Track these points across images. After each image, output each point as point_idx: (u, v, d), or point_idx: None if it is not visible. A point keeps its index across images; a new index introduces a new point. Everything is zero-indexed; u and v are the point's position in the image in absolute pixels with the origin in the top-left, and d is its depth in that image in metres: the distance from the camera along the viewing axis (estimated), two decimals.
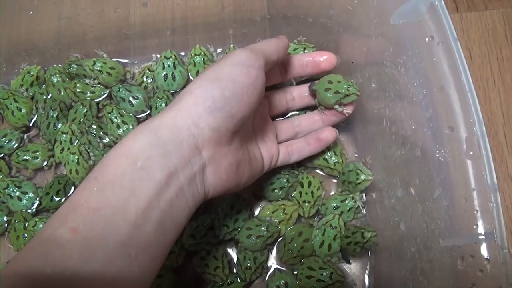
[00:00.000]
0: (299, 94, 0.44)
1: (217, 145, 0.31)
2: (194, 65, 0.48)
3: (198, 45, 0.49)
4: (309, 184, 0.44)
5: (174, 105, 0.30)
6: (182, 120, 0.29)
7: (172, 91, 0.48)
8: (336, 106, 0.41)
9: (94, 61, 0.47)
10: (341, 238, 0.42)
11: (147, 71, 0.48)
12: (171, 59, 0.47)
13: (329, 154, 0.44)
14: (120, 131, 0.46)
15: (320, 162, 0.45)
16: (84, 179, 0.28)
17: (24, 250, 0.25)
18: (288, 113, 0.47)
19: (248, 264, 0.41)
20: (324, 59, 0.41)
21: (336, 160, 0.44)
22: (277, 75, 0.43)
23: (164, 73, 0.47)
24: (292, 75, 0.43)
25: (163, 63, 0.47)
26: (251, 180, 0.38)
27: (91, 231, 0.25)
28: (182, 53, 0.50)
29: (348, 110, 0.41)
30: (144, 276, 0.27)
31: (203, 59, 0.48)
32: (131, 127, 0.46)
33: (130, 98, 0.46)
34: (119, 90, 0.47)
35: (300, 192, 0.44)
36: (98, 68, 0.47)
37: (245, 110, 0.31)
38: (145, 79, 0.48)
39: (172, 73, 0.47)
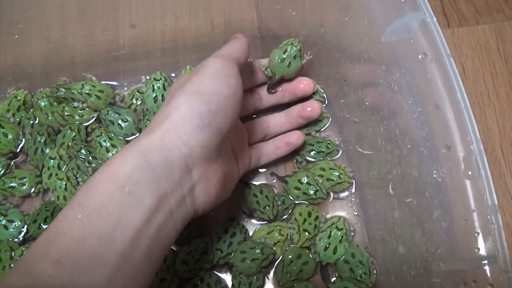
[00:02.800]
0: (266, 93, 0.45)
1: (207, 162, 0.30)
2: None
3: (188, 66, 0.48)
4: (316, 218, 0.43)
5: (160, 124, 0.29)
6: (171, 141, 0.28)
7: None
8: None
9: (82, 84, 0.46)
10: (347, 241, 0.41)
11: (137, 93, 0.48)
12: (160, 80, 0.46)
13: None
14: (110, 154, 0.45)
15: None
16: (67, 204, 0.26)
17: (2, 285, 0.24)
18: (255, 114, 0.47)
19: None
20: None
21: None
22: (254, 103, 0.44)
23: (154, 95, 0.46)
24: (270, 103, 0.45)
25: (152, 85, 0.46)
26: (231, 190, 0.37)
27: (75, 265, 0.24)
28: (173, 74, 0.49)
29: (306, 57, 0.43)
30: None
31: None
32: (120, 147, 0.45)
33: (119, 121, 0.46)
34: (108, 113, 0.46)
35: (305, 220, 0.42)
36: (87, 91, 0.46)
37: (230, 122, 0.31)
38: (134, 101, 0.47)
39: (162, 94, 0.46)
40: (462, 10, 0.52)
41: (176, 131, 0.28)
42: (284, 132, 0.45)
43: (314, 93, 0.45)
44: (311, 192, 0.43)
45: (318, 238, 0.42)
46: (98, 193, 0.26)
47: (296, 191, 0.43)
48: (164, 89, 0.46)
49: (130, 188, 0.26)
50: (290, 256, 0.41)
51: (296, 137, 0.43)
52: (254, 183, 0.45)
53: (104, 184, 0.26)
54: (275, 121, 0.44)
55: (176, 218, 0.28)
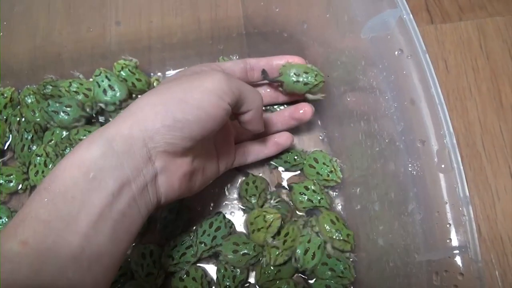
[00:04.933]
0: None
1: (170, 157, 0.31)
2: (126, 80, 0.47)
3: (117, 62, 0.47)
4: (286, 234, 0.41)
5: (132, 115, 0.30)
6: (138, 132, 0.29)
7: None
8: (308, 95, 0.43)
9: (70, 82, 0.46)
10: (325, 247, 0.41)
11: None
12: (101, 75, 0.46)
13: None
14: None
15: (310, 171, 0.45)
16: (35, 190, 0.27)
17: None
18: None
19: (227, 283, 0.40)
20: (293, 61, 0.42)
21: (329, 170, 0.43)
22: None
23: (102, 89, 0.45)
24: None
25: (96, 82, 0.45)
26: (204, 184, 0.38)
27: (41, 244, 0.25)
28: (159, 74, 0.49)
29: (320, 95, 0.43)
30: (98, 287, 0.27)
31: (128, 69, 0.47)
32: None
33: (64, 108, 0.45)
34: (49, 105, 0.45)
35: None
36: (75, 89, 0.46)
37: (205, 133, 0.31)
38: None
39: (109, 85, 0.45)
40: (445, 6, 0.53)
41: (145, 125, 0.29)
42: (274, 133, 0.45)
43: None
44: (316, 199, 0.43)
45: (299, 241, 0.41)
46: (63, 178, 0.27)
47: (300, 196, 0.43)
48: (108, 79, 0.45)
49: (95, 174, 0.27)
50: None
51: (285, 138, 0.43)
52: (254, 173, 0.45)
53: (70, 170, 0.27)
54: (265, 120, 0.44)
55: (139, 204, 0.29)
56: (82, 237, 0.26)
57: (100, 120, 0.48)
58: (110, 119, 0.47)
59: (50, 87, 0.47)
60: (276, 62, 0.42)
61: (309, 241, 0.41)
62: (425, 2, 0.53)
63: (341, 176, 0.43)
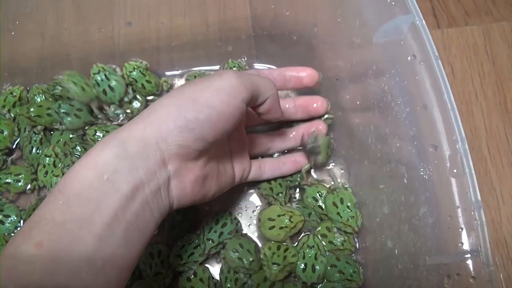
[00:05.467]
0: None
1: (183, 161, 0.31)
2: (136, 81, 0.47)
3: (129, 62, 0.48)
4: (286, 249, 0.42)
5: (146, 117, 0.30)
6: (151, 133, 0.29)
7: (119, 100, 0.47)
8: None
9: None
10: (323, 256, 0.41)
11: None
12: (100, 72, 0.45)
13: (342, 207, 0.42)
14: None
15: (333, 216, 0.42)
16: (49, 193, 0.28)
17: None
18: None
19: (229, 285, 0.41)
20: (306, 74, 0.42)
21: (351, 215, 0.41)
22: None
23: (102, 88, 0.45)
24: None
25: (95, 80, 0.45)
26: (220, 192, 0.38)
27: (56, 245, 0.25)
28: (168, 73, 0.49)
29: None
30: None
31: (139, 71, 0.47)
32: None
33: (75, 111, 0.45)
34: (60, 106, 0.45)
35: (273, 253, 0.41)
36: (74, 80, 0.45)
37: (218, 135, 0.31)
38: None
39: (109, 85, 0.45)
40: (451, 11, 0.53)
41: (158, 126, 0.29)
42: (288, 148, 0.45)
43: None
44: (346, 217, 0.42)
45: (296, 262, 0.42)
46: (78, 180, 0.27)
47: (313, 201, 0.43)
48: (108, 79, 0.45)
49: (109, 176, 0.27)
50: (270, 250, 0.42)
51: (303, 158, 0.44)
52: None
53: (84, 172, 0.27)
54: (280, 135, 0.45)
55: (152, 207, 0.30)
56: (96, 239, 0.26)
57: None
58: (108, 123, 0.48)
59: (60, 87, 0.47)
60: (288, 73, 0.42)
61: (303, 257, 0.41)
62: (431, 7, 0.54)
63: (360, 225, 0.41)
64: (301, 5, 0.46)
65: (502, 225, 0.45)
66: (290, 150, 0.46)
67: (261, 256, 0.42)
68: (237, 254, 0.41)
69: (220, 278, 0.42)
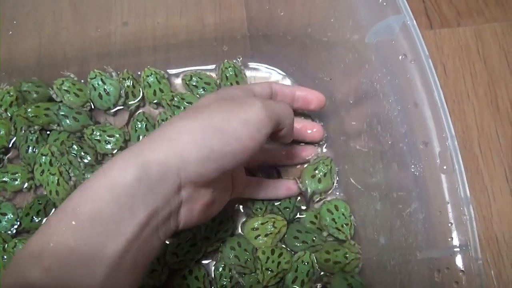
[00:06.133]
0: None
1: (196, 187, 0.31)
2: (150, 86, 0.48)
3: (148, 67, 0.49)
4: (280, 254, 0.42)
5: (169, 140, 0.29)
6: (173, 159, 0.28)
7: (119, 107, 0.49)
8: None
9: (62, 81, 0.47)
10: (314, 274, 0.42)
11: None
12: (96, 77, 0.47)
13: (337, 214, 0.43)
14: (109, 146, 0.46)
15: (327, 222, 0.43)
16: (60, 207, 0.26)
17: None
18: None
19: (224, 283, 0.41)
20: (314, 97, 0.43)
21: (346, 222, 0.42)
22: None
23: (98, 92, 0.47)
24: None
25: (92, 85, 0.47)
26: (217, 211, 0.37)
27: (65, 273, 0.24)
28: (163, 72, 0.50)
29: None
30: None
31: (156, 77, 0.48)
32: (118, 135, 0.46)
33: (74, 114, 0.46)
34: (60, 108, 0.46)
35: (268, 258, 0.42)
36: (66, 88, 0.46)
37: (236, 165, 0.31)
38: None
39: (104, 89, 0.47)
40: (444, 12, 0.54)
41: (181, 152, 0.28)
42: (280, 164, 0.47)
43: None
44: (340, 223, 0.42)
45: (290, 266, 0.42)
46: (94, 200, 0.26)
47: (328, 215, 0.43)
48: (104, 82, 0.47)
49: (126, 200, 0.26)
50: (264, 254, 0.42)
51: (294, 187, 0.44)
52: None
53: (101, 192, 0.26)
54: (275, 149, 0.46)
55: (160, 232, 0.29)
56: (106, 269, 0.25)
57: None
58: (107, 123, 0.48)
59: (56, 95, 0.47)
60: (298, 93, 0.42)
61: (296, 270, 0.42)
62: (424, 8, 0.55)
63: (353, 233, 0.42)
64: (295, 6, 0.47)
65: (493, 222, 0.46)
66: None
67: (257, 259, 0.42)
68: (234, 252, 0.41)
69: (214, 274, 0.42)
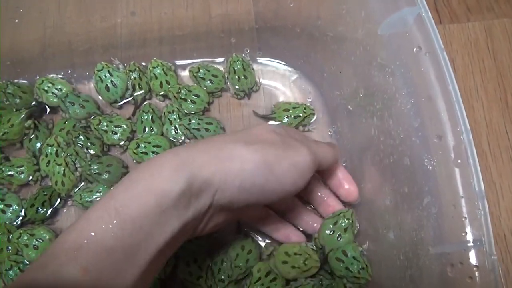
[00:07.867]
0: None
1: (222, 210, 0.32)
2: (156, 78, 0.48)
3: (154, 58, 0.48)
4: (273, 279, 0.40)
5: (220, 160, 0.29)
6: (216, 181, 0.29)
7: (126, 100, 0.48)
8: None
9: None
10: (352, 232, 0.40)
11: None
12: (103, 69, 0.46)
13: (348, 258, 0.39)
14: (116, 136, 0.45)
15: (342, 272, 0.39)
16: (101, 203, 0.26)
17: (26, 279, 0.24)
18: None
19: (222, 277, 0.41)
20: (348, 187, 0.41)
21: (361, 266, 0.39)
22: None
23: (105, 84, 0.46)
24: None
25: (99, 77, 0.46)
26: (225, 226, 0.37)
27: (101, 275, 0.25)
28: (170, 64, 0.49)
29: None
30: None
31: (163, 69, 0.48)
32: (125, 126, 0.46)
33: (80, 101, 0.46)
34: (68, 96, 0.46)
35: (259, 278, 0.40)
36: (45, 88, 0.46)
37: (266, 203, 0.32)
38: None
39: (112, 81, 0.46)
40: (453, 7, 0.54)
41: (225, 177, 0.29)
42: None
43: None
44: (355, 270, 0.39)
45: (323, 223, 0.40)
46: (137, 204, 0.26)
47: (339, 265, 0.39)
48: (111, 74, 0.46)
49: (167, 208, 0.27)
50: (258, 273, 0.41)
51: (297, 237, 0.42)
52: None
53: (146, 197, 0.27)
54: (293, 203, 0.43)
55: (181, 239, 0.30)
56: (138, 273, 0.26)
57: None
58: (114, 114, 0.48)
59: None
60: (339, 173, 0.41)
61: (335, 224, 0.40)
62: (434, 2, 0.54)
63: (372, 272, 0.39)
64: None
65: (501, 219, 0.45)
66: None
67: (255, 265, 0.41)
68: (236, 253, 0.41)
69: (213, 268, 0.42)
